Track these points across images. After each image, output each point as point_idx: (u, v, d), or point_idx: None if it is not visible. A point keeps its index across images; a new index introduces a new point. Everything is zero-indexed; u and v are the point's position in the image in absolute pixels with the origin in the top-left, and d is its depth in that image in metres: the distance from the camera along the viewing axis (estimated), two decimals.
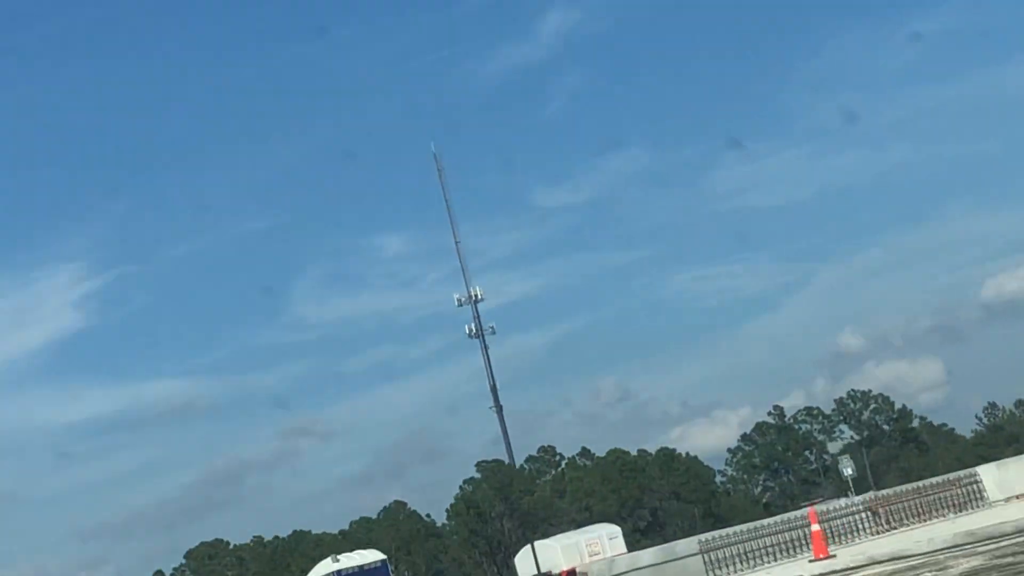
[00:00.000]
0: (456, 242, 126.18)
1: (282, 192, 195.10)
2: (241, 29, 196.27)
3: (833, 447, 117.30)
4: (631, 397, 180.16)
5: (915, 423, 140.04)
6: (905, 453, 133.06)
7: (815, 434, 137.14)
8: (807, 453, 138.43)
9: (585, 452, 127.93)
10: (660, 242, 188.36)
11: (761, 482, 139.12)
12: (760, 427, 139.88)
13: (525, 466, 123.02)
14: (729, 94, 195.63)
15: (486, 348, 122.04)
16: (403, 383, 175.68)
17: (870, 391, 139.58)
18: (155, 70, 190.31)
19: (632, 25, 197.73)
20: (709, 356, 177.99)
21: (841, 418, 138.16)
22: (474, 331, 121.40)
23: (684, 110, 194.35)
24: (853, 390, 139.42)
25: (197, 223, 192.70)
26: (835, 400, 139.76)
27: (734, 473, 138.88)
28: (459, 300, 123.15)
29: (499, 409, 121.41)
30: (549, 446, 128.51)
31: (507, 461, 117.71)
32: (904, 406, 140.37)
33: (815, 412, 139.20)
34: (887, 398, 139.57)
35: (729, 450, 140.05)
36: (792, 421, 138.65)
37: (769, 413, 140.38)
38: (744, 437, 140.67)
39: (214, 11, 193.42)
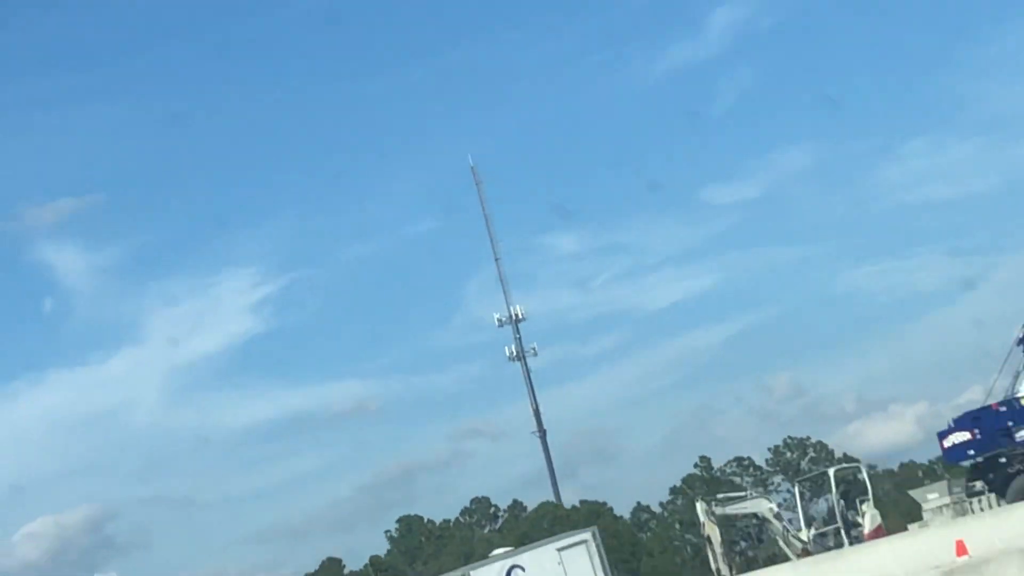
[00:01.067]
0: (496, 259, 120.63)
1: (453, 193, 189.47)
2: (410, 30, 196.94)
3: None
4: (804, 394, 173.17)
5: None
6: None
7: None
8: None
9: None
10: (831, 237, 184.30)
11: None
12: None
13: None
14: (898, 86, 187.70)
15: (527, 370, 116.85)
16: (574, 383, 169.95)
17: None
18: (330, 77, 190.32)
19: (800, 20, 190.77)
20: (883, 351, 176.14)
21: None
22: (514, 353, 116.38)
23: (853, 104, 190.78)
24: None
25: (370, 225, 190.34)
26: None
27: None
28: (499, 320, 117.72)
29: (543, 435, 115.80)
30: None
31: (552, 496, 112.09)
32: None
33: None
34: None
35: None
36: None
37: None
38: None
39: (384, 15, 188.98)
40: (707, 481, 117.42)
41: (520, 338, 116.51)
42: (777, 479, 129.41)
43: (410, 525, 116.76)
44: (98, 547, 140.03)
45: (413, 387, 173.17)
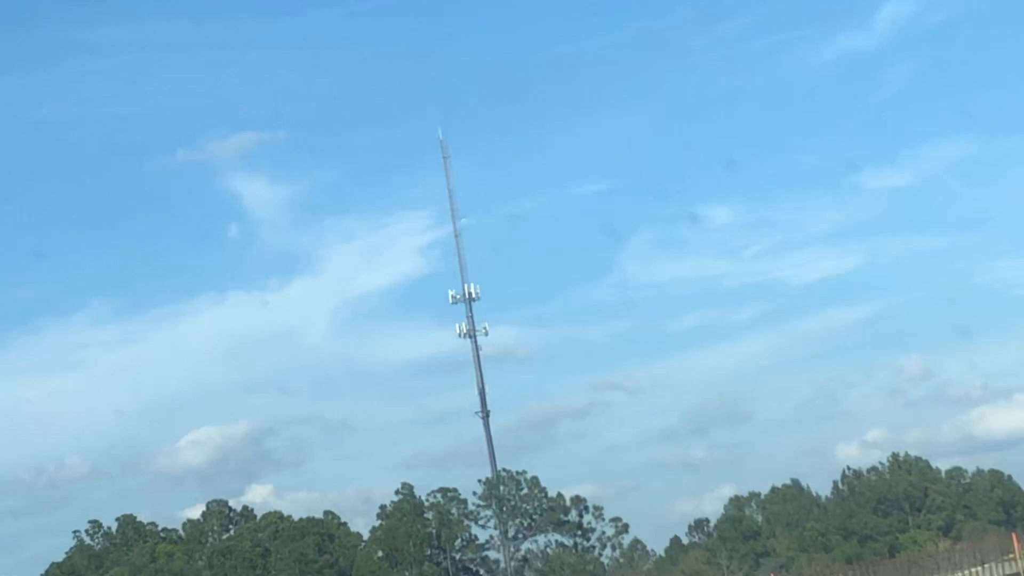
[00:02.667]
0: (456, 235, 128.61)
1: (621, 159, 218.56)
2: (591, 4, 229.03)
3: None
4: (932, 376, 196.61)
5: None
6: None
7: None
8: None
9: None
10: (975, 230, 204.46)
11: None
12: None
13: None
14: None
15: (477, 349, 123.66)
16: (717, 347, 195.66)
17: None
18: (514, 42, 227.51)
19: (964, 19, 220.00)
20: (1015, 342, 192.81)
21: None
22: (464, 331, 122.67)
23: (1010, 102, 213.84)
24: None
25: (538, 184, 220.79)
26: None
27: None
28: (453, 297, 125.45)
29: (486, 416, 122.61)
30: None
31: (490, 472, 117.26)
32: None
33: None
34: None
35: None
36: None
37: None
38: None
39: None
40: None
41: (473, 317, 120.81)
42: (488, 512, 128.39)
43: None
44: (256, 459, 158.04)
45: (561, 337, 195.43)
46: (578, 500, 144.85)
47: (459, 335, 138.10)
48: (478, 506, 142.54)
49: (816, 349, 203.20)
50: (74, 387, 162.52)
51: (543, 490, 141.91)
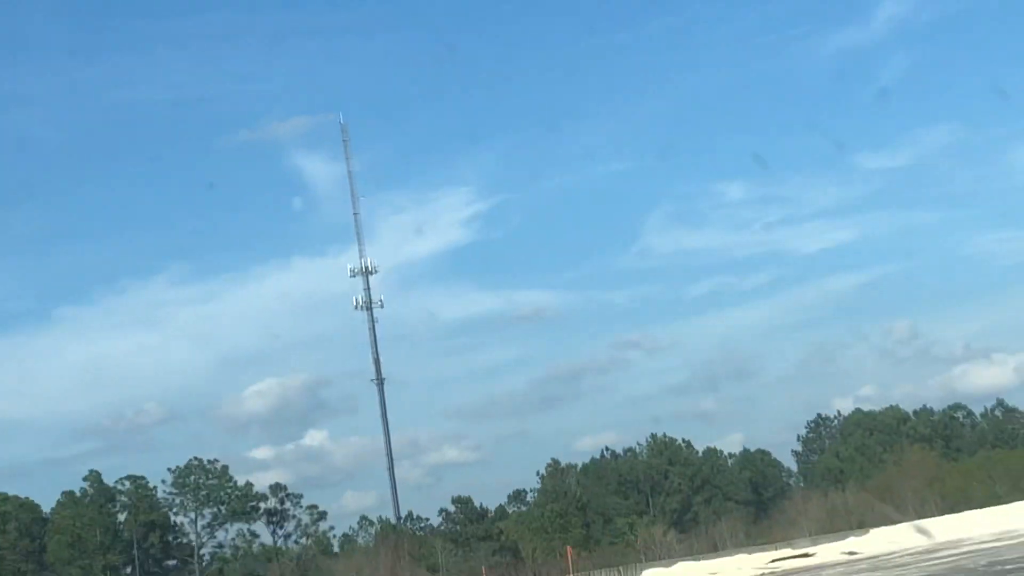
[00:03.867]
0: (355, 213, 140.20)
1: (644, 140, 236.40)
2: (612, 6, 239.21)
3: None
4: (919, 337, 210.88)
5: None
6: None
7: None
8: None
9: None
10: (964, 207, 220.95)
11: None
12: None
13: None
14: None
15: (373, 321, 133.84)
16: (729, 312, 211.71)
17: None
18: (555, 31, 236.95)
19: (956, 17, 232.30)
20: (996, 307, 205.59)
21: None
22: (360, 303, 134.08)
23: (995, 92, 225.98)
24: None
25: (570, 162, 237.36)
26: None
27: None
28: (351, 271, 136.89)
29: (380, 383, 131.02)
30: None
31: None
32: None
33: None
34: None
35: None
36: None
37: None
38: None
39: None
40: None
41: (369, 290, 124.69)
42: (179, 500, 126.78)
43: None
44: (312, 408, 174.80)
45: (587, 300, 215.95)
46: (277, 488, 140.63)
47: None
48: (171, 494, 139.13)
49: (817, 313, 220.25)
50: (153, 341, 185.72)
51: (232, 479, 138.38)
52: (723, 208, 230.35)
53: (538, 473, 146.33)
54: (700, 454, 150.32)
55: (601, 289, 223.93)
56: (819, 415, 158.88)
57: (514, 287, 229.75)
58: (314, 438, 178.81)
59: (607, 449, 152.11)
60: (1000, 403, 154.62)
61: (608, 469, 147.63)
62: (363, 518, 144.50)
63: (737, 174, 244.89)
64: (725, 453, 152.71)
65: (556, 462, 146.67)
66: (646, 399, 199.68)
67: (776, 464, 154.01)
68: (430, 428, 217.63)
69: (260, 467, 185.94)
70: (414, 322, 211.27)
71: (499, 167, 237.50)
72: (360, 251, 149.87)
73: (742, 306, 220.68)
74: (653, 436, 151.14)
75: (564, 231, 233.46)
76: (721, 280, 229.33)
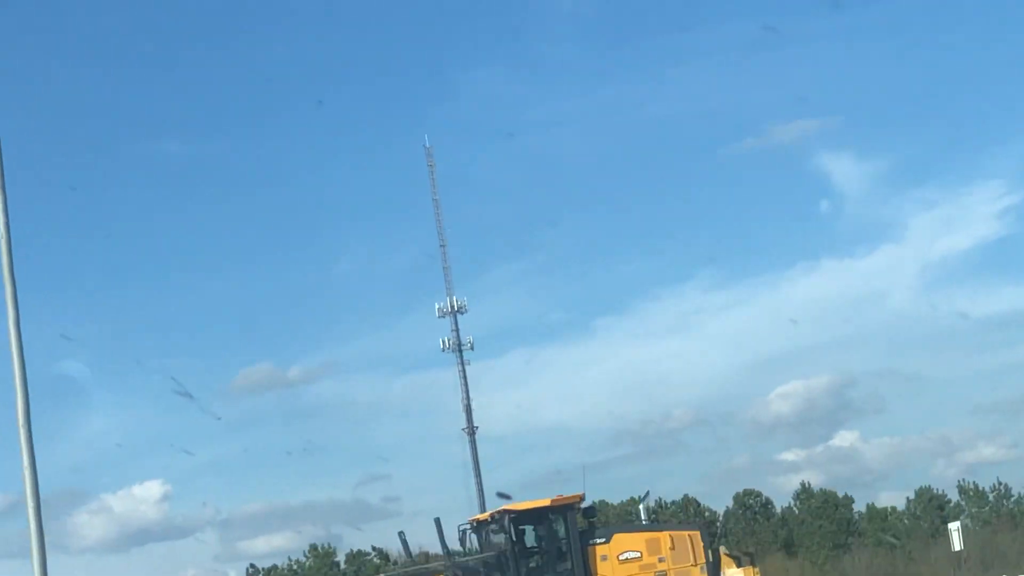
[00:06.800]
0: (441, 245, 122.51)
1: None
2: None
3: None
4: None
5: None
6: None
7: None
8: None
9: None
10: None
11: None
12: None
13: None
14: None
15: (463, 365, 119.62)
16: None
17: None
18: None
19: None
20: None
21: None
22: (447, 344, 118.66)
23: None
24: None
25: None
26: None
27: None
28: (440, 311, 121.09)
29: (472, 432, 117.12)
30: None
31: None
32: None
33: None
34: None
35: None
36: None
37: None
38: None
39: None
40: None
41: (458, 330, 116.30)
42: None
43: None
44: (838, 408, 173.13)
45: None
46: None
47: None
48: None
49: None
50: (683, 348, 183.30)
51: None
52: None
53: None
54: None
55: None
56: None
57: None
58: (844, 439, 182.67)
59: None
60: None
61: None
62: None
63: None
64: None
65: None
66: None
67: None
68: (956, 427, 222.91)
69: (790, 469, 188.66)
70: (937, 319, 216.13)
71: None
72: (447, 289, 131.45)
73: None
74: None
75: None
76: None
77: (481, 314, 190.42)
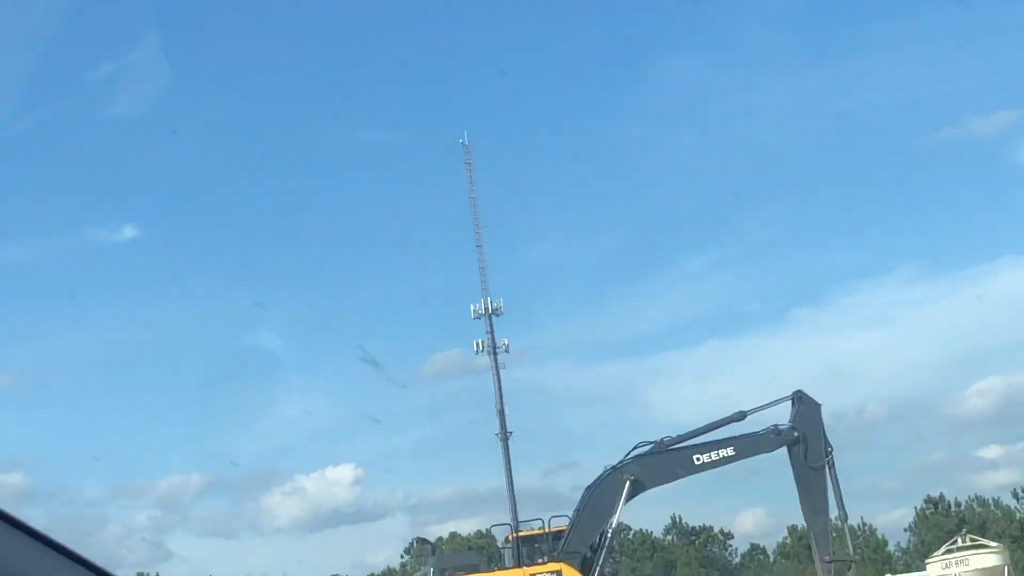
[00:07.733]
0: (478, 245, 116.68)
1: None
2: None
3: None
4: None
5: None
6: None
7: None
8: None
9: None
10: None
11: None
12: None
13: None
14: None
15: (497, 368, 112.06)
16: None
17: None
18: None
19: None
20: None
21: None
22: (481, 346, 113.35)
23: None
24: None
25: None
26: None
27: None
28: (475, 312, 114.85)
29: (505, 436, 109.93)
30: None
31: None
32: None
33: None
34: None
35: None
36: None
37: None
38: None
39: None
40: None
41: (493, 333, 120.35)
42: None
43: None
44: None
45: None
46: None
47: None
48: None
49: None
50: (882, 341, 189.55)
51: None
52: None
53: None
54: None
55: None
56: None
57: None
58: None
59: None
60: None
61: None
62: None
63: None
64: None
65: None
66: None
67: None
68: None
69: (989, 467, 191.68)
70: None
71: None
72: (483, 289, 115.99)
73: None
74: None
75: None
76: None
77: (669, 303, 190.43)
